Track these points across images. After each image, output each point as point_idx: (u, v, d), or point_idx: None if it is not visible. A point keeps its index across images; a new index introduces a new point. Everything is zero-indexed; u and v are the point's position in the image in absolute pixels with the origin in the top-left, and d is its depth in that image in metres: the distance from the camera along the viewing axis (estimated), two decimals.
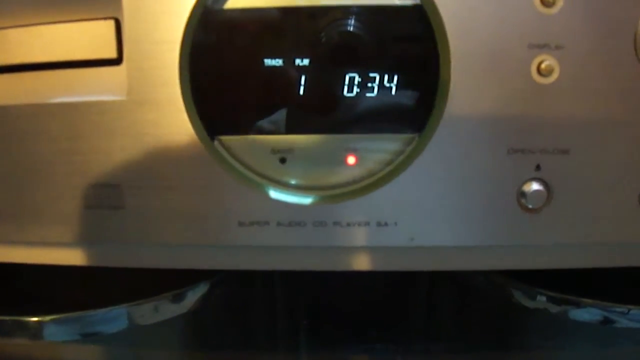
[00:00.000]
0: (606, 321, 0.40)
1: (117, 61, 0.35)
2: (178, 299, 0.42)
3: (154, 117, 0.35)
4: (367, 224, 0.35)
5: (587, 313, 0.41)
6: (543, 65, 0.33)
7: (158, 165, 0.35)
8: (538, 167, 0.34)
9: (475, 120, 0.34)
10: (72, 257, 0.39)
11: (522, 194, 0.34)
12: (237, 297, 0.49)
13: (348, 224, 0.35)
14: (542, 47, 0.33)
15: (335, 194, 0.35)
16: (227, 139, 0.36)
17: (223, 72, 0.35)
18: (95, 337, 0.41)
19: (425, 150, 0.34)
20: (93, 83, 0.36)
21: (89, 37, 0.35)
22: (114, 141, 0.35)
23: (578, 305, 0.41)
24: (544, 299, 0.42)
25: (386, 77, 0.35)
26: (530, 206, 0.34)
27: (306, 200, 0.35)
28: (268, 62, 0.35)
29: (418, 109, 0.35)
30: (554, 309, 0.41)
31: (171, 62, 0.34)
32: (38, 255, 0.39)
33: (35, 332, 0.40)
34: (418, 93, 0.35)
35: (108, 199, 0.37)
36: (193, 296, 0.43)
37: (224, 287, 0.46)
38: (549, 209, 0.35)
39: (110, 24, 0.35)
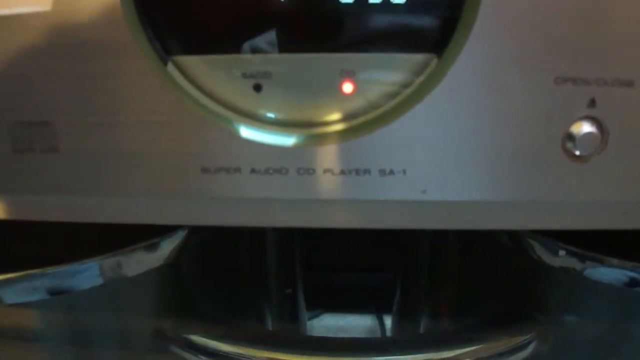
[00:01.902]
0: (633, 283, 0.34)
1: None
2: (152, 249, 0.35)
3: (88, 33, 0.25)
4: (367, 172, 0.27)
5: (612, 272, 0.34)
6: None
7: (97, 97, 0.26)
8: (592, 103, 0.26)
9: (515, 36, 0.24)
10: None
11: (570, 137, 0.26)
12: (220, 244, 0.43)
13: (342, 172, 0.26)
14: None
15: (326, 133, 0.26)
16: (184, 59, 0.26)
17: None
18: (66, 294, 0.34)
19: (446, 76, 0.24)
20: None
21: None
22: (39, 65, 0.26)
23: (602, 262, 0.34)
24: (564, 253, 0.35)
25: None
26: (577, 152, 0.26)
27: (288, 140, 0.26)
28: None
29: (438, 20, 0.25)
30: (577, 265, 0.34)
31: None
32: None
33: None
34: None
35: (38, 140, 0.27)
36: (168, 246, 0.36)
37: (204, 233, 0.39)
38: (600, 158, 0.26)
39: None
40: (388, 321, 0.62)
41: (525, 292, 0.37)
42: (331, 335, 0.63)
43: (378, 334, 0.61)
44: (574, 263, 0.34)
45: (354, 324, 0.64)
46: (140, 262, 0.34)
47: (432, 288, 0.50)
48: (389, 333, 0.60)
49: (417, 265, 0.51)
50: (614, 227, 0.28)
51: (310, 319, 0.64)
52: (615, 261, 0.33)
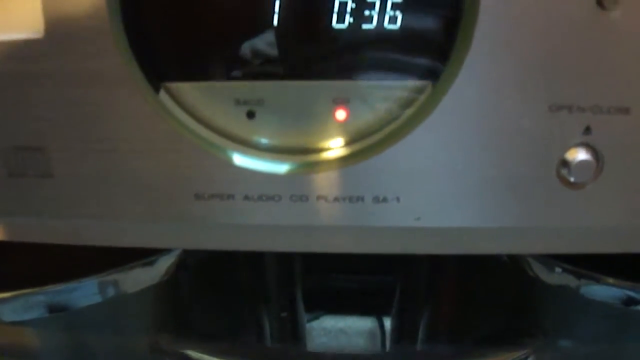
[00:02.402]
0: (629, 301, 0.33)
1: None
2: (149, 266, 0.35)
3: (79, 61, 0.25)
4: (361, 199, 0.26)
5: (607, 290, 0.34)
6: None
7: (89, 123, 0.26)
8: (587, 130, 0.25)
9: (510, 63, 0.24)
10: None
11: (565, 164, 0.26)
12: (217, 257, 0.43)
13: (336, 199, 0.26)
14: None
15: (319, 160, 0.26)
16: (176, 86, 0.26)
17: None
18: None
19: (440, 104, 0.24)
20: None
21: None
22: (32, 91, 0.26)
23: (598, 281, 0.34)
24: (560, 271, 0.35)
25: (389, 3, 0.26)
26: (572, 179, 0.26)
27: (281, 167, 0.26)
28: None
29: (432, 47, 0.25)
30: (573, 283, 0.34)
31: None
32: None
33: None
34: (433, 24, 0.25)
35: (32, 166, 0.27)
36: (165, 263, 0.36)
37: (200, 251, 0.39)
38: (595, 185, 0.26)
39: None
40: (388, 323, 0.62)
41: (523, 307, 0.37)
42: (331, 337, 0.64)
43: (378, 337, 0.62)
44: (570, 280, 0.33)
45: (354, 326, 0.64)
46: (138, 279, 0.34)
47: (431, 292, 0.50)
48: (388, 335, 0.60)
49: (417, 268, 0.51)
50: (609, 251, 0.28)
51: (309, 320, 0.64)
52: (610, 280, 0.32)
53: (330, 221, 0.27)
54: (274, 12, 0.25)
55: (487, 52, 0.24)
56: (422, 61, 0.25)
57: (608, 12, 0.23)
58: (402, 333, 0.56)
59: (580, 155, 0.25)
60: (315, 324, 0.64)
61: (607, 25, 0.24)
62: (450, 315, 0.47)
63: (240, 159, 0.26)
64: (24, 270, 0.35)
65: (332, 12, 0.25)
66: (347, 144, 0.26)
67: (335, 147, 0.26)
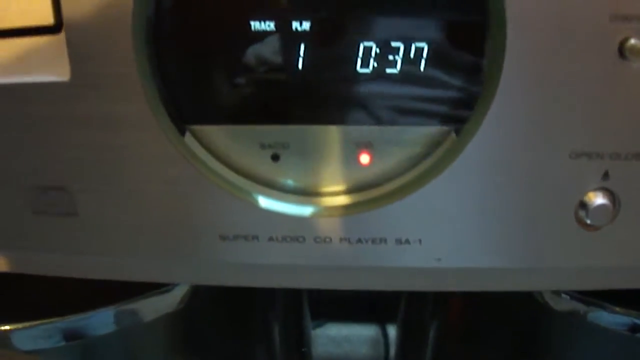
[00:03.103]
0: (635, 329, 0.34)
1: (54, 29, 0.26)
2: (165, 295, 0.35)
3: (106, 103, 0.25)
4: (384, 240, 0.27)
5: (615, 318, 0.34)
6: (628, 44, 0.24)
7: (115, 164, 0.26)
8: (606, 175, 0.26)
9: (534, 112, 0.24)
10: (17, 265, 0.31)
11: (583, 207, 0.26)
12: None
13: (359, 241, 0.27)
14: (629, 19, 0.24)
15: (343, 204, 0.26)
16: (201, 129, 0.26)
17: (195, 41, 0.25)
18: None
19: (464, 152, 0.25)
20: (28, 57, 0.26)
21: None
22: (58, 133, 0.26)
23: (605, 308, 0.35)
24: (569, 298, 0.35)
25: (413, 48, 0.26)
26: (589, 222, 0.27)
27: (306, 210, 0.26)
28: (256, 25, 0.26)
29: (455, 93, 0.25)
30: (581, 310, 0.35)
31: (123, 29, 0.25)
32: None
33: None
34: (457, 71, 0.25)
35: (57, 205, 0.27)
36: (181, 291, 0.36)
37: None
38: (611, 227, 0.27)
39: None
40: (392, 331, 0.62)
41: (531, 331, 0.38)
42: (335, 344, 0.64)
43: (381, 345, 0.62)
44: (578, 307, 0.34)
45: (358, 334, 0.65)
46: (154, 308, 0.34)
47: (438, 303, 0.50)
48: (392, 344, 0.61)
49: None
50: (623, 287, 0.29)
51: (314, 328, 0.64)
52: (617, 308, 0.33)
53: (352, 262, 0.27)
54: (298, 56, 0.26)
55: (510, 102, 0.24)
56: (445, 107, 0.26)
57: (630, 63, 0.24)
58: (408, 343, 0.56)
59: (598, 199, 0.26)
60: (319, 331, 0.65)
61: (628, 76, 0.24)
62: (458, 331, 0.47)
63: (265, 202, 0.26)
64: (40, 299, 0.35)
65: (357, 56, 0.26)
66: (371, 187, 0.27)
67: (359, 190, 0.27)
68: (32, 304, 0.34)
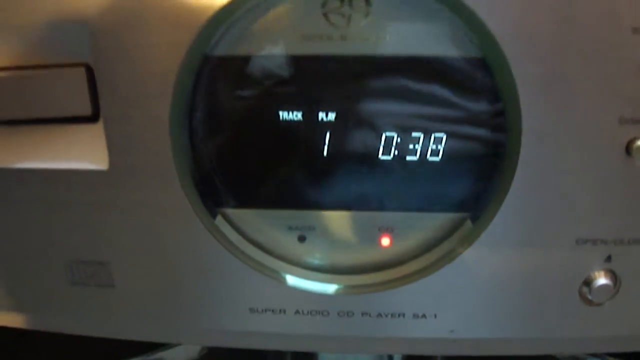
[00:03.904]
0: None
1: (92, 118, 0.27)
2: (187, 346, 0.36)
3: (142, 189, 0.27)
4: (402, 315, 0.28)
5: None
6: (635, 145, 0.25)
7: (151, 243, 0.27)
8: (609, 258, 0.28)
9: (544, 203, 0.26)
10: (58, 326, 0.33)
11: (586, 285, 0.28)
12: None
13: (379, 315, 0.28)
14: (636, 122, 0.25)
15: (365, 283, 0.28)
16: (232, 212, 0.28)
17: (226, 131, 0.27)
18: None
19: (479, 239, 0.26)
20: (69, 144, 0.27)
21: (58, 87, 0.26)
22: (98, 214, 0.27)
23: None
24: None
25: (432, 138, 0.27)
26: (592, 299, 0.29)
27: (330, 288, 0.28)
28: (284, 116, 0.27)
29: (472, 182, 0.27)
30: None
31: (160, 119, 0.25)
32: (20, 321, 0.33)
33: None
34: (473, 162, 0.27)
35: (95, 277, 0.29)
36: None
37: None
38: (613, 302, 0.28)
39: (80, 72, 0.26)
40: None
41: None
42: None
43: None
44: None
45: None
46: (178, 357, 0.36)
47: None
48: None
49: None
50: (619, 351, 0.31)
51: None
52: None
53: (372, 333, 0.29)
54: (324, 144, 0.27)
55: (524, 195, 0.26)
56: (462, 195, 0.27)
57: (635, 160, 0.25)
58: None
59: (600, 280, 0.27)
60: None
61: (633, 171, 0.26)
62: None
63: (292, 280, 0.28)
64: (70, 348, 0.37)
65: (379, 144, 0.27)
66: (391, 267, 0.28)
67: (379, 269, 0.28)
68: (61, 353, 0.36)
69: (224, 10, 0.23)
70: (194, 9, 0.23)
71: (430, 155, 0.27)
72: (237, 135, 0.27)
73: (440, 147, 0.27)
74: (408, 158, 0.27)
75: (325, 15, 0.24)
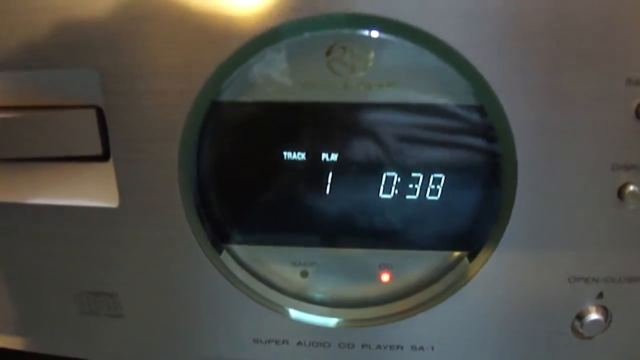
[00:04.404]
0: None
1: (103, 157, 0.28)
2: None
3: (151, 225, 0.27)
4: (400, 347, 0.29)
5: None
6: (627, 191, 0.26)
7: (159, 276, 0.28)
8: (600, 295, 0.29)
9: (539, 243, 0.27)
10: (67, 351, 0.34)
11: (579, 319, 0.29)
12: None
13: (378, 347, 0.29)
14: (629, 168, 0.26)
15: (365, 316, 0.29)
16: (237, 248, 0.29)
17: (232, 171, 0.28)
18: None
19: (475, 277, 0.27)
20: (81, 182, 0.28)
21: (70, 127, 0.27)
22: (108, 248, 0.28)
23: None
24: None
25: (432, 178, 0.28)
26: (583, 332, 0.29)
27: (331, 321, 0.29)
28: (288, 156, 0.28)
29: (470, 223, 0.28)
30: None
31: (169, 161, 0.26)
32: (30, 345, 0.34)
33: None
34: (471, 203, 0.28)
35: (105, 307, 0.30)
36: None
37: None
38: (603, 336, 0.29)
39: (91, 113, 0.27)
40: None
41: None
42: None
43: None
44: None
45: None
46: None
47: None
48: None
49: None
50: None
51: None
52: None
53: None
54: (326, 184, 0.28)
55: (519, 236, 0.26)
56: (459, 235, 0.28)
57: (627, 204, 0.26)
58: None
59: (592, 315, 0.28)
60: None
61: (624, 215, 0.26)
62: None
63: (295, 313, 0.29)
64: None
65: (380, 184, 0.28)
66: (390, 302, 0.29)
67: (379, 304, 0.29)
68: None
69: (232, 61, 0.24)
70: (203, 60, 0.24)
71: (429, 194, 0.28)
72: (242, 175, 0.28)
73: (439, 187, 0.28)
74: (408, 197, 0.28)
75: (328, 64, 0.25)
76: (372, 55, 0.25)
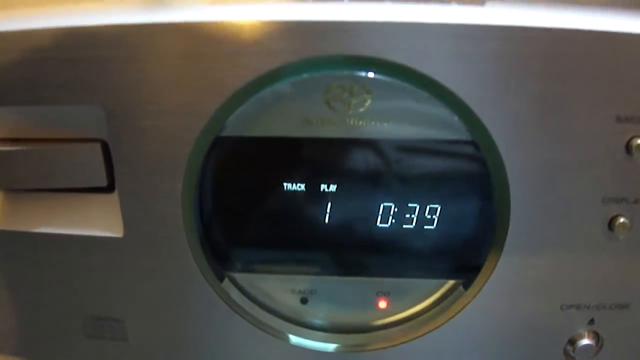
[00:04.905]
0: None
1: (108, 189, 0.28)
2: None
3: (155, 255, 0.28)
4: None
5: None
6: (617, 223, 0.27)
7: (163, 303, 0.29)
8: (592, 321, 0.29)
9: (532, 272, 0.27)
10: None
11: (571, 344, 0.29)
12: None
13: None
14: (618, 201, 0.27)
15: (362, 342, 0.29)
16: (239, 276, 0.29)
17: (233, 202, 0.28)
18: None
19: (470, 303, 0.28)
20: (87, 212, 0.29)
21: (76, 160, 0.28)
22: (113, 276, 0.29)
23: None
24: None
25: (428, 208, 0.29)
26: (575, 357, 0.30)
27: (330, 347, 0.29)
28: (288, 186, 0.29)
29: (465, 252, 0.29)
30: None
31: (172, 193, 0.27)
32: None
33: None
34: (465, 233, 0.28)
35: (110, 331, 0.30)
36: None
37: None
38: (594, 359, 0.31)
39: (96, 147, 0.28)
40: None
41: None
42: None
43: None
44: None
45: None
46: None
47: None
48: None
49: None
50: None
51: None
52: None
53: None
54: (325, 213, 0.29)
55: (512, 267, 0.27)
56: (455, 263, 0.29)
57: (616, 235, 0.27)
58: None
59: (583, 340, 0.29)
60: None
61: (614, 247, 0.27)
62: None
63: (295, 339, 0.29)
64: None
65: (377, 214, 0.29)
66: (387, 327, 0.30)
67: (376, 330, 0.30)
68: None
69: (234, 99, 0.25)
70: (206, 99, 0.25)
71: (426, 224, 0.28)
72: (243, 205, 0.28)
73: (435, 217, 0.28)
74: (404, 227, 0.29)
75: (327, 101, 0.26)
76: (369, 94, 0.25)
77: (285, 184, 0.28)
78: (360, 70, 0.25)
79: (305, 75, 0.25)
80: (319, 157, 0.27)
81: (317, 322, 0.30)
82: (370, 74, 0.25)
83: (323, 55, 0.24)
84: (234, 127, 0.26)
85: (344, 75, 0.25)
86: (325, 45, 0.24)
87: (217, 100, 0.25)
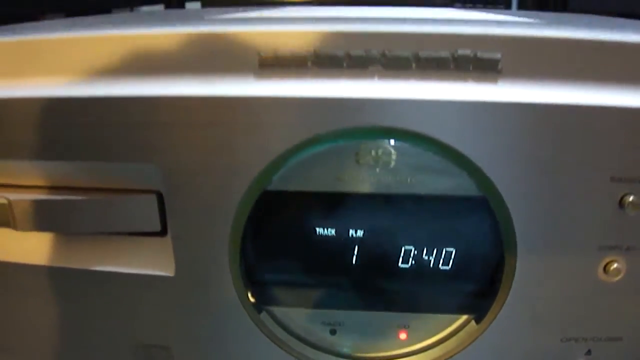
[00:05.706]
0: None
1: (161, 233, 0.32)
2: None
3: (202, 291, 0.31)
4: None
5: None
6: (611, 267, 0.30)
7: (207, 334, 0.32)
8: (589, 352, 0.33)
9: (535, 312, 0.31)
10: None
11: None
12: None
13: None
14: (612, 248, 0.30)
15: None
16: (276, 310, 0.33)
17: (273, 245, 0.32)
18: None
19: (481, 337, 0.32)
20: (142, 253, 0.32)
21: (134, 208, 0.32)
22: (162, 312, 0.32)
23: None
24: None
25: (444, 252, 0.32)
26: None
27: None
28: (320, 231, 0.32)
29: (476, 291, 0.32)
30: None
31: (219, 240, 0.31)
32: None
33: None
34: (477, 274, 0.32)
35: (158, 358, 0.35)
36: None
37: None
38: None
39: (152, 197, 0.31)
40: None
41: None
42: None
43: None
44: None
45: None
46: None
47: None
48: None
49: None
50: None
51: None
52: None
53: None
54: (352, 256, 0.32)
55: (518, 306, 0.31)
56: (467, 301, 0.32)
57: (612, 278, 0.30)
58: None
59: None
60: None
61: (611, 286, 0.31)
62: None
63: None
64: None
65: (399, 256, 0.32)
66: (407, 356, 0.33)
67: (397, 358, 0.33)
68: None
69: (279, 160, 0.28)
70: (255, 160, 0.28)
71: (442, 265, 0.32)
72: (281, 248, 0.32)
73: (451, 260, 0.32)
74: (423, 267, 0.32)
75: (357, 161, 0.29)
76: (393, 156, 0.29)
77: (317, 230, 0.31)
78: (387, 138, 0.28)
79: (340, 142, 0.28)
80: (349, 207, 0.31)
81: (345, 350, 0.34)
82: (396, 142, 0.28)
83: (356, 127, 0.28)
84: (277, 183, 0.30)
85: (371, 141, 0.28)
86: (358, 118, 0.27)
87: (264, 161, 0.28)
